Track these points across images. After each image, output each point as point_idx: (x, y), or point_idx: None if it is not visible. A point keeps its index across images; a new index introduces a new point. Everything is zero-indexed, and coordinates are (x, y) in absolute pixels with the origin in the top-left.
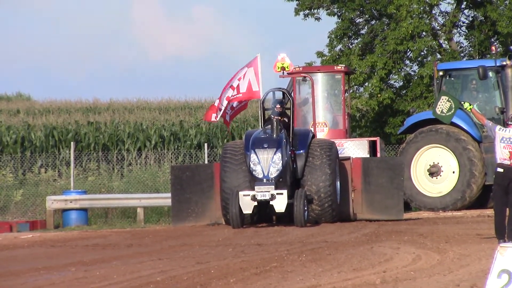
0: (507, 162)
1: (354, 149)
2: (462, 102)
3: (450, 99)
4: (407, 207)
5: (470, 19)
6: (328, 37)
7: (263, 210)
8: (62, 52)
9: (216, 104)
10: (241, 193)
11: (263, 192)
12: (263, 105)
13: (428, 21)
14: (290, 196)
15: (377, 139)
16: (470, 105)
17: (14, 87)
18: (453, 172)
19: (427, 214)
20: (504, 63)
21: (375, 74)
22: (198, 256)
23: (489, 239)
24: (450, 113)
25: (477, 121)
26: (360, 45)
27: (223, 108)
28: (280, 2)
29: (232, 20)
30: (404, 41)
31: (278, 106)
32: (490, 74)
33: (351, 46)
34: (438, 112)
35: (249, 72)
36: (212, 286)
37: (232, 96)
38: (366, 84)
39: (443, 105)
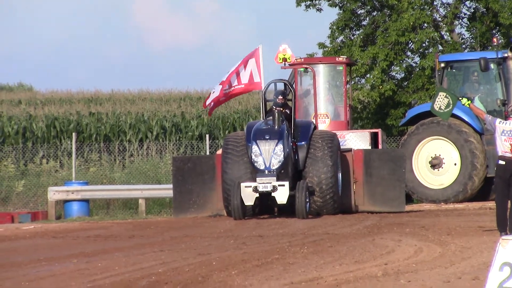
0: (509, 155)
1: (356, 140)
2: (460, 98)
3: (448, 95)
4: (409, 199)
5: (472, 10)
6: (330, 28)
7: (265, 201)
8: (63, 43)
9: (216, 93)
10: (242, 185)
11: (264, 184)
12: (264, 96)
13: (429, 12)
14: (292, 188)
15: (379, 130)
16: (468, 100)
17: (16, 78)
18: (455, 164)
19: (428, 206)
20: (506, 54)
21: (377, 65)
22: (199, 247)
23: (491, 231)
24: (448, 109)
25: None
26: (361, 37)
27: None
28: None
29: (234, 10)
30: (405, 32)
31: (279, 97)
32: (492, 66)
33: (352, 38)
34: (436, 109)
35: (251, 63)
36: (214, 277)
37: (234, 87)
38: (368, 75)
39: (441, 101)
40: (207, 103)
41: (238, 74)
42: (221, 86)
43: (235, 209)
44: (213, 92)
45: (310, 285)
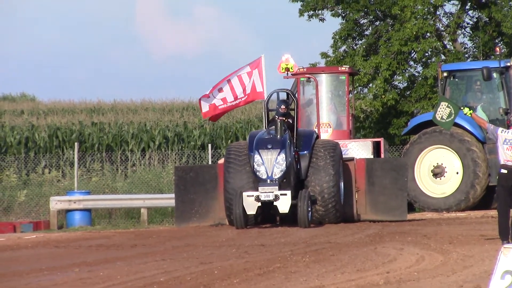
0: (511, 164)
1: (358, 150)
2: (462, 108)
3: (449, 105)
4: (411, 208)
5: (475, 20)
6: (333, 38)
7: (267, 210)
8: (66, 53)
9: (215, 101)
10: (245, 194)
11: (267, 193)
12: (267, 106)
13: (432, 22)
14: (294, 197)
15: (381, 140)
16: (469, 110)
17: (19, 88)
18: (457, 173)
19: (430, 215)
20: (509, 64)
21: (379, 75)
22: (201, 256)
23: (492, 240)
24: (450, 119)
25: None
26: (364, 46)
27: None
28: (284, 3)
29: (237, 20)
30: (408, 42)
31: (282, 107)
32: (495, 75)
33: (355, 47)
34: (438, 118)
35: (254, 73)
36: (216, 286)
37: (239, 99)
38: (370, 85)
39: (443, 111)
40: (204, 110)
41: (243, 85)
42: (219, 93)
43: (237, 218)
44: (209, 97)
45: None
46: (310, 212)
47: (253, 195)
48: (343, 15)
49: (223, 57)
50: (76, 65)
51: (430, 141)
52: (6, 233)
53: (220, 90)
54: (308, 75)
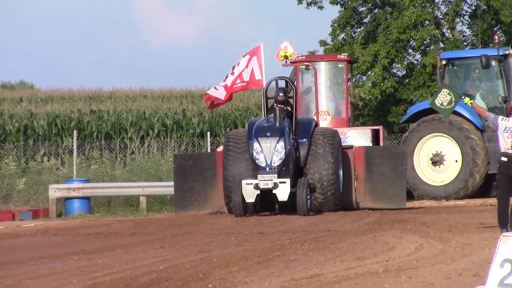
0: (511, 151)
1: (357, 137)
2: (463, 97)
3: (451, 93)
4: (410, 196)
5: (473, 8)
6: (331, 25)
7: (266, 198)
8: (65, 41)
9: (217, 93)
10: (244, 182)
11: (266, 181)
12: (266, 93)
13: (431, 10)
14: (293, 185)
15: (380, 128)
16: (470, 99)
17: (17, 76)
18: (456, 161)
19: (430, 203)
20: (507, 52)
21: (378, 63)
22: (200, 244)
23: (492, 228)
24: (450, 106)
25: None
26: (363, 34)
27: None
28: None
29: (235, 8)
30: (407, 30)
31: (281, 94)
32: (493, 63)
33: (354, 35)
34: (438, 104)
35: (253, 60)
36: (215, 274)
37: (236, 85)
38: (369, 73)
39: (444, 98)
40: (210, 96)
41: (240, 72)
42: (223, 87)
43: (236, 206)
44: (216, 89)
45: (311, 282)
46: (309, 200)
47: (252, 183)
48: (342, 2)
49: (222, 46)
50: (75, 53)
51: (429, 129)
52: (5, 221)
53: (224, 80)
54: (306, 63)
